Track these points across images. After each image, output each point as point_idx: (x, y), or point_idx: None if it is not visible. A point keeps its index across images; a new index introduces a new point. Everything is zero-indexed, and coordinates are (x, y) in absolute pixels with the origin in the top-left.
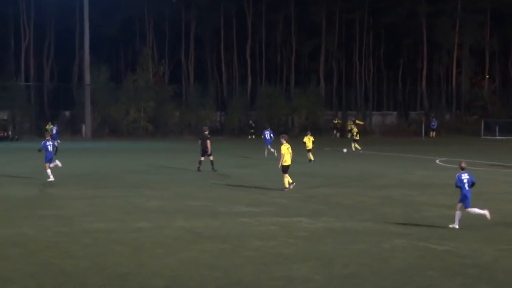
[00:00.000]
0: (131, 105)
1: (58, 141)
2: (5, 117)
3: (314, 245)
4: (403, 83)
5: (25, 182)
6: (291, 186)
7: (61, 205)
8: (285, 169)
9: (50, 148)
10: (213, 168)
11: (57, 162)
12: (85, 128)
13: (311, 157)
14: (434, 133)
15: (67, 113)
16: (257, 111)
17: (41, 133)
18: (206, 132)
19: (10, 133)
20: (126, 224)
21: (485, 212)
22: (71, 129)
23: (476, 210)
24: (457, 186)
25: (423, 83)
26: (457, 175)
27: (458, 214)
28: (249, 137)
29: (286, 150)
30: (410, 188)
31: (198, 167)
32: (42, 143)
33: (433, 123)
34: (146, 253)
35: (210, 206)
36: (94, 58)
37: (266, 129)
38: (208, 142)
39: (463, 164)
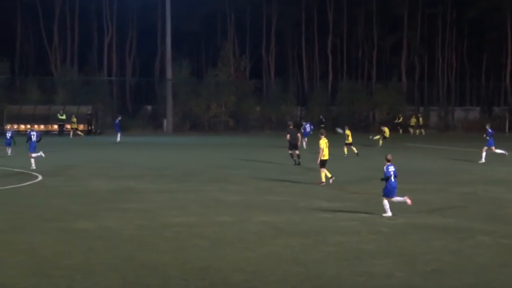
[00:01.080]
0: (212, 100)
1: (119, 134)
2: (89, 112)
3: (396, 241)
4: (486, 78)
5: (108, 175)
6: (331, 181)
7: (142, 199)
8: (323, 163)
9: (34, 138)
10: (298, 162)
11: (41, 153)
12: (167, 123)
13: (355, 150)
14: None
15: (149, 107)
16: (338, 106)
17: (123, 127)
18: (291, 126)
19: (93, 127)
20: (207, 218)
21: (405, 199)
22: (152, 124)
23: (398, 199)
24: (385, 178)
25: (507, 78)
26: (384, 167)
27: (386, 203)
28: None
29: (324, 144)
30: (494, 185)
31: (296, 161)
32: (28, 132)
33: None
34: (227, 247)
35: (290, 201)
36: (176, 53)
37: (306, 122)
38: (299, 135)
39: (389, 157)
